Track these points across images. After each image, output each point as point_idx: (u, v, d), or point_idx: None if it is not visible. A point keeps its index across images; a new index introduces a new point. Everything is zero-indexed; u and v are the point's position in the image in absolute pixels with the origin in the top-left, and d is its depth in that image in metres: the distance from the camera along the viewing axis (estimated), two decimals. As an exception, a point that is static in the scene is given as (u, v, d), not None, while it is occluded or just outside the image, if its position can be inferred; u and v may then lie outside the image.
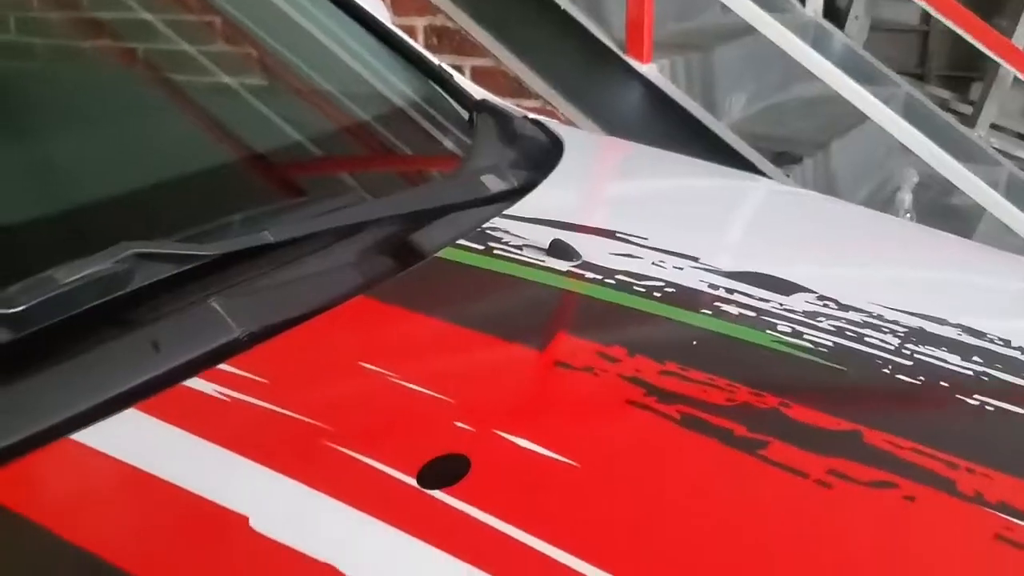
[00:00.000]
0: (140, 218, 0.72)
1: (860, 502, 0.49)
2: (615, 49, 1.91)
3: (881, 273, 0.85)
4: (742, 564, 0.45)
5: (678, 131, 1.86)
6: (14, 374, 0.52)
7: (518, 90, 1.92)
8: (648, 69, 1.91)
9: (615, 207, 0.96)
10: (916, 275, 0.87)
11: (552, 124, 1.16)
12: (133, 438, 0.49)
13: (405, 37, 1.21)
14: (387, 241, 0.76)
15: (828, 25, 2.78)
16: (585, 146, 1.16)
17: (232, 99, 1.02)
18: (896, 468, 0.51)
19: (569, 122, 1.85)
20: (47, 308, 0.55)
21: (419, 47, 1.24)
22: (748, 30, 2.05)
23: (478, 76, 1.89)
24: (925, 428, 0.57)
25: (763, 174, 1.79)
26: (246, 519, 0.44)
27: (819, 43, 2.37)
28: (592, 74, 1.91)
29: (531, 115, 1.18)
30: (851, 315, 0.70)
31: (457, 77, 1.20)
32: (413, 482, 0.47)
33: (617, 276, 0.73)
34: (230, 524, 0.44)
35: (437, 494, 0.46)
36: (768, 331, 0.66)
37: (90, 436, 0.49)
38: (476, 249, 0.75)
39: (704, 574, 0.44)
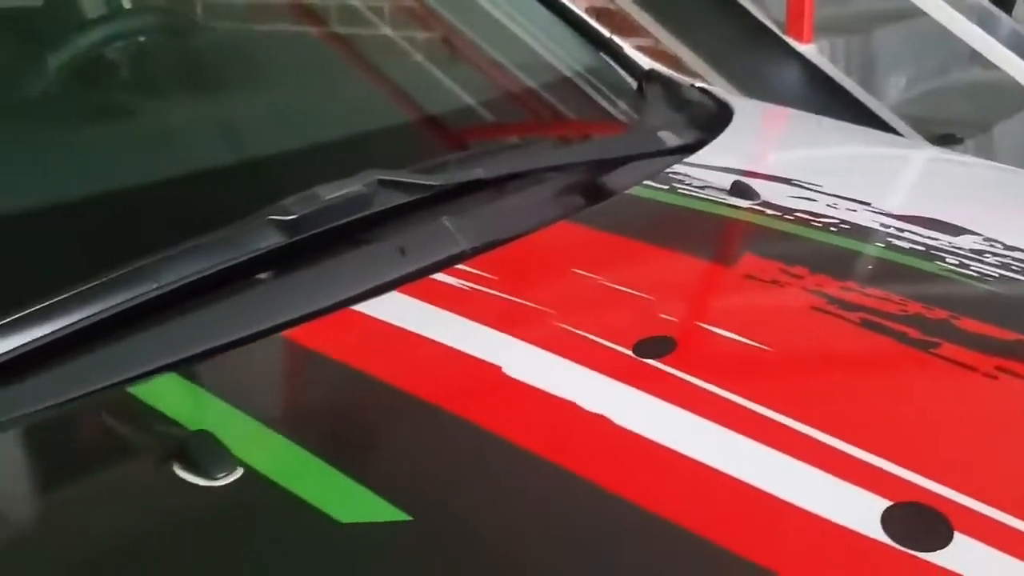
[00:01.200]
0: (384, 152, 0.85)
1: (1025, 393, 0.56)
2: (775, 29, 1.97)
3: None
4: (911, 431, 0.53)
5: (838, 111, 1.90)
6: (300, 264, 0.65)
7: (676, 70, 2.00)
8: (808, 49, 1.96)
9: (787, 161, 1.04)
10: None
11: (719, 92, 1.25)
12: (400, 310, 0.61)
13: (579, 11, 1.32)
14: (581, 181, 0.86)
15: (995, 9, 2.74)
16: (753, 111, 1.24)
17: (458, 70, 1.17)
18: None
19: (727, 100, 1.92)
20: (314, 218, 0.68)
21: (592, 21, 1.34)
22: (907, 14, 2.07)
23: (638, 56, 1.98)
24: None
25: (924, 153, 1.82)
26: (500, 368, 0.55)
27: (985, 27, 2.35)
28: (751, 54, 1.97)
29: (698, 84, 1.27)
30: (1016, 254, 0.76)
31: (627, 48, 1.30)
32: (630, 352, 0.57)
33: (796, 213, 0.81)
34: (489, 370, 0.55)
35: (651, 361, 0.56)
36: (937, 262, 0.73)
37: (367, 307, 0.61)
38: (661, 188, 0.85)
39: (878, 431, 0.52)
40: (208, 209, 0.75)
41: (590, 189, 0.85)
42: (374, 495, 0.44)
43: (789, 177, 0.91)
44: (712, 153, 0.97)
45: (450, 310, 0.61)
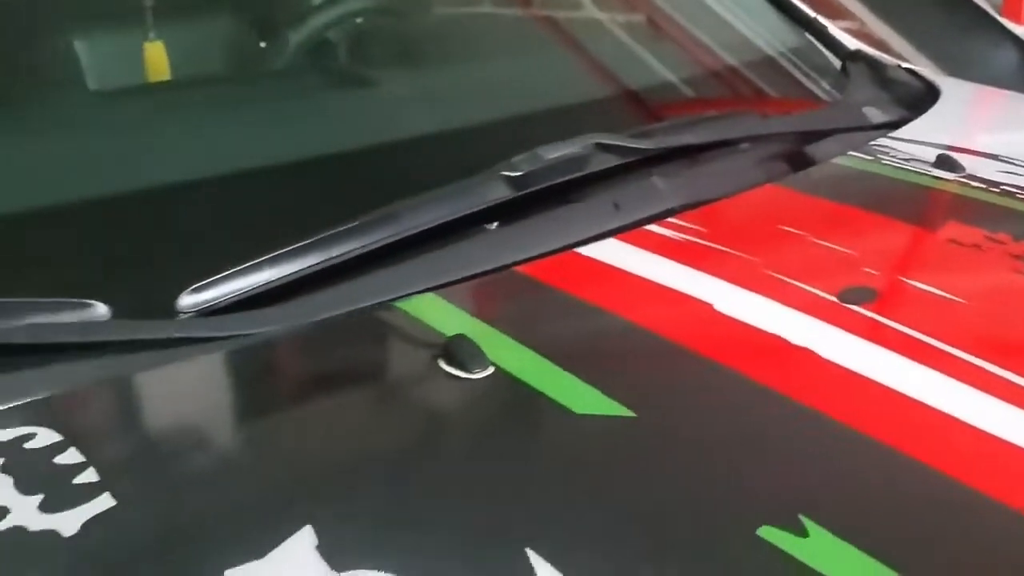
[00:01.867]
0: (599, 121, 0.93)
1: None
2: (989, 10, 1.92)
3: None
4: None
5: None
6: (526, 215, 0.74)
7: (883, 53, 1.98)
8: (1025, 31, 1.90)
9: (995, 138, 1.05)
10: None
11: (925, 72, 1.26)
12: (617, 253, 0.69)
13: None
14: (786, 150, 0.91)
15: None
16: (961, 91, 1.24)
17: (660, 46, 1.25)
18: None
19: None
20: (538, 174, 0.77)
21: (798, 2, 1.37)
22: None
23: (842, 38, 1.97)
24: None
25: None
26: (710, 304, 0.62)
27: None
28: (962, 36, 1.93)
29: (904, 64, 1.28)
30: None
31: (832, 28, 1.33)
32: (834, 298, 0.63)
33: (1001, 187, 0.84)
34: (699, 307, 0.62)
35: (853, 307, 0.62)
36: None
37: (587, 250, 0.69)
38: (866, 159, 0.89)
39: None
40: (443, 166, 0.86)
41: (795, 157, 0.90)
42: (603, 395, 0.52)
43: (996, 153, 0.93)
44: (917, 129, 1.00)
45: (663, 255, 0.69)
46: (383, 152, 0.86)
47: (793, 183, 0.83)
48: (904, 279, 0.67)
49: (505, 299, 0.64)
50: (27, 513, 0.43)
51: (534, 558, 0.41)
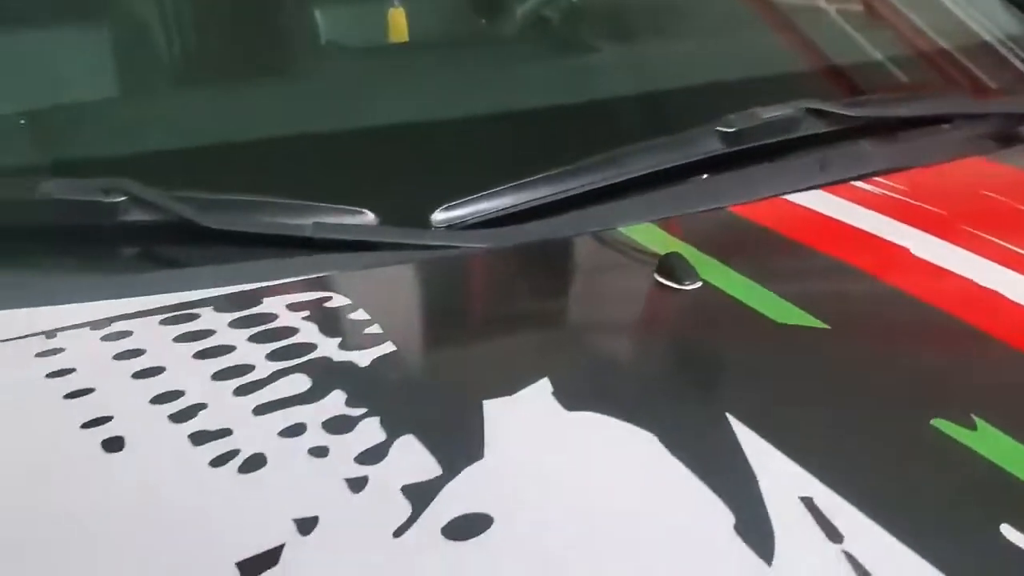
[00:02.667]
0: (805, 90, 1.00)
1: None
2: None
3: None
4: None
5: None
6: (738, 166, 0.82)
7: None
8: None
9: None
10: None
11: None
12: (822, 201, 0.76)
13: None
14: (993, 128, 0.95)
15: None
16: None
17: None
18: None
19: None
20: (749, 132, 0.84)
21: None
22: None
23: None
24: None
25: None
26: (907, 248, 0.69)
27: None
28: None
29: None
30: None
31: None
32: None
33: None
34: (895, 249, 0.69)
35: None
36: None
37: (794, 197, 0.77)
38: (1074, 140, 0.92)
39: None
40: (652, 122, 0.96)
41: (1002, 135, 0.94)
42: (801, 310, 0.60)
43: None
44: None
45: (865, 206, 0.76)
46: (598, 108, 0.97)
47: (999, 157, 0.88)
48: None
49: (716, 231, 0.73)
50: (331, 349, 0.56)
51: (732, 421, 0.50)
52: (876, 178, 0.81)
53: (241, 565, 0.42)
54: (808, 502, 0.45)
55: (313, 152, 0.81)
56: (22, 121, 0.82)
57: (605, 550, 0.43)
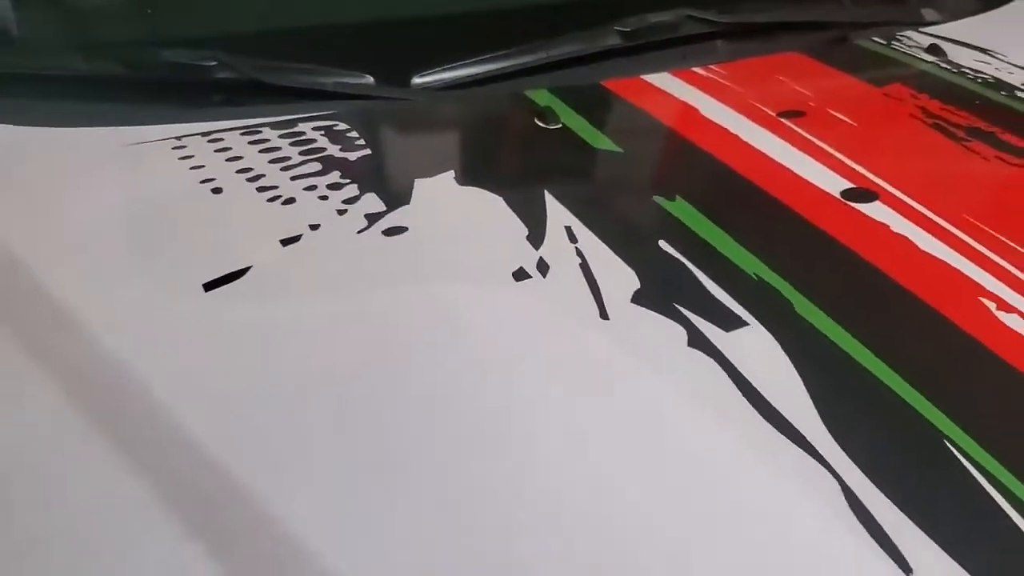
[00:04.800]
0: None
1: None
2: None
3: None
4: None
5: None
6: (624, 55, 1.25)
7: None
8: None
9: (1002, 37, 1.43)
10: None
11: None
12: (666, 81, 1.19)
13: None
14: (830, 33, 1.36)
15: None
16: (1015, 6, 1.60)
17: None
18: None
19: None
20: (640, 32, 1.27)
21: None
22: None
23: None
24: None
25: None
26: (697, 109, 1.12)
27: None
28: None
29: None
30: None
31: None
32: (773, 113, 1.11)
33: (962, 70, 1.26)
34: (690, 111, 1.13)
35: (785, 120, 1.10)
36: (1034, 107, 1.16)
37: (649, 78, 1.20)
38: (881, 43, 1.33)
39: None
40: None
41: (834, 39, 1.35)
42: (609, 139, 1.05)
43: (989, 48, 1.33)
44: (952, 28, 1.40)
45: (691, 84, 1.19)
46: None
47: (815, 54, 1.29)
48: (830, 110, 1.14)
49: (585, 97, 1.17)
50: (335, 150, 1.02)
51: (547, 195, 0.96)
52: (713, 66, 1.24)
53: (284, 241, 0.89)
54: (569, 232, 0.91)
55: (336, 34, 1.27)
56: (149, 11, 1.28)
57: (462, 234, 0.89)
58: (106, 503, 0.64)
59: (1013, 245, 0.90)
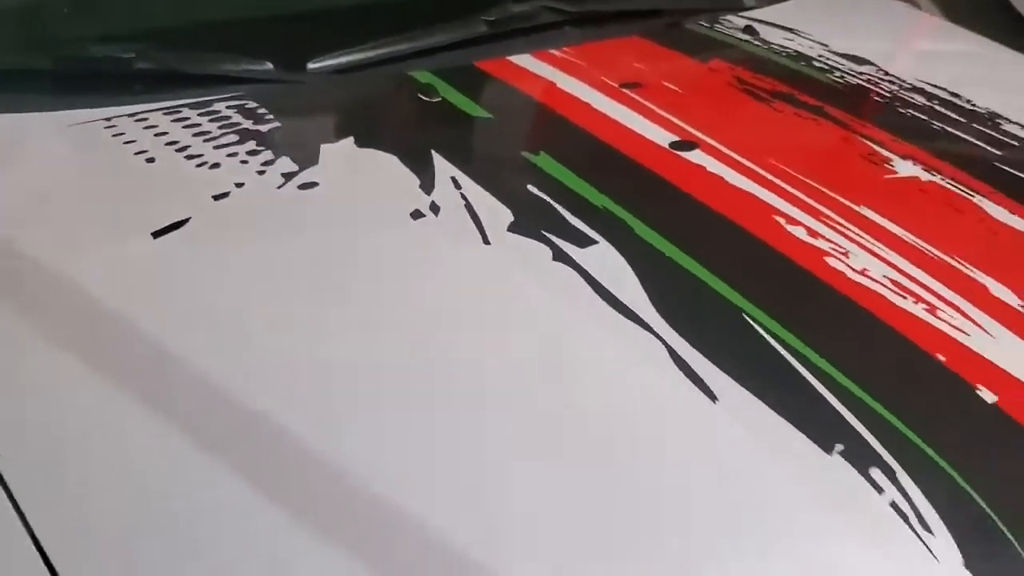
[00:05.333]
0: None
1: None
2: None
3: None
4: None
5: None
6: (489, 41, 1.46)
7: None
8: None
9: (809, 18, 1.71)
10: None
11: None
12: (527, 61, 1.41)
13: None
14: (667, 21, 1.61)
15: None
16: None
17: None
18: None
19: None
20: (502, 21, 1.49)
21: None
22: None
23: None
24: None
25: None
26: (555, 83, 1.35)
27: None
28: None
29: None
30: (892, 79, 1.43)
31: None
32: (616, 84, 1.35)
33: (771, 46, 1.52)
34: (549, 85, 1.35)
35: (628, 91, 1.34)
36: (828, 75, 1.43)
37: (512, 58, 1.42)
38: (706, 26, 1.58)
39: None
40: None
41: (672, 24, 1.59)
42: (482, 108, 1.26)
43: (796, 28, 1.60)
44: (766, 12, 1.67)
45: (547, 63, 1.41)
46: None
47: (653, 37, 1.53)
48: (664, 81, 1.38)
49: (460, 75, 1.38)
50: (248, 124, 1.20)
51: (434, 154, 1.16)
52: (565, 48, 1.47)
53: (216, 197, 1.07)
54: (454, 180, 1.12)
55: (243, 27, 1.44)
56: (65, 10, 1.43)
57: (365, 185, 1.09)
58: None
59: (802, 178, 1.15)
